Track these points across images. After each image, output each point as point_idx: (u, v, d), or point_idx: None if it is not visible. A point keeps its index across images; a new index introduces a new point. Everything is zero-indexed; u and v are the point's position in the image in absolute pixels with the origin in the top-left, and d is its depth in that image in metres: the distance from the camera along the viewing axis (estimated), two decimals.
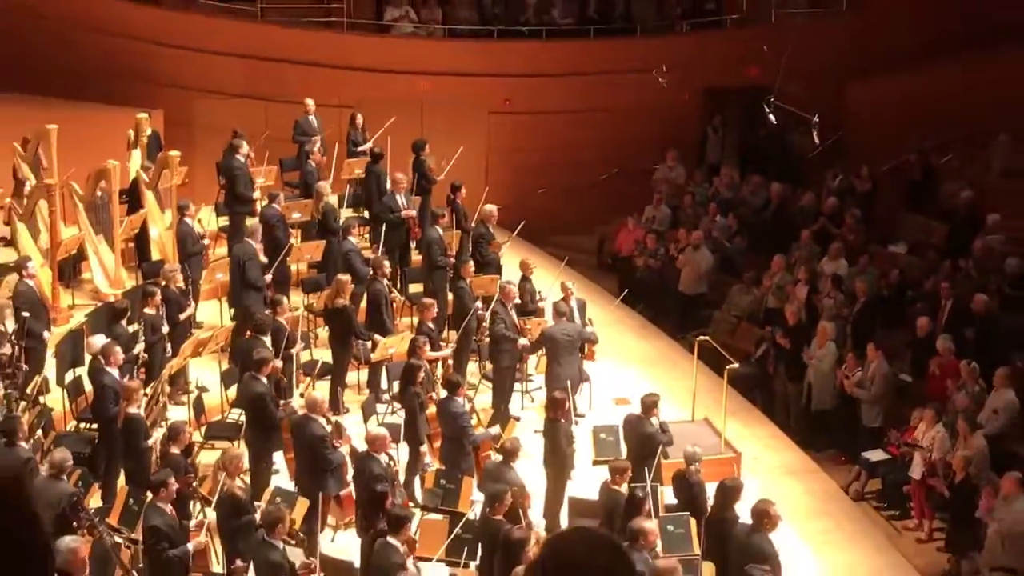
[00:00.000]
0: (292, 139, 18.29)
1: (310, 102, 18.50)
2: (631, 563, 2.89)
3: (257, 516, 10.14)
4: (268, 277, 15.15)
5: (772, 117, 18.80)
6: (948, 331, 15.04)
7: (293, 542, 10.37)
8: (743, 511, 10.62)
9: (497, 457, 11.61)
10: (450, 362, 14.24)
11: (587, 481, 12.14)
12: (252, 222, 16.22)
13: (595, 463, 12.38)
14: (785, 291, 16.79)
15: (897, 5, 21.75)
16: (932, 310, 15.77)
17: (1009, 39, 20.88)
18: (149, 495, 10.08)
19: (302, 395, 12.62)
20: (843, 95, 20.80)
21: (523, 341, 14.34)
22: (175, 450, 11.06)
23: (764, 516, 10.10)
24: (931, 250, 18.18)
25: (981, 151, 19.61)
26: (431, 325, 14.02)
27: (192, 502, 11.43)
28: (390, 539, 9.55)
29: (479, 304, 14.88)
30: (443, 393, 12.70)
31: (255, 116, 18.54)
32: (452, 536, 10.67)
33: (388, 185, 17.51)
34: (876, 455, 14.24)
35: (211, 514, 10.86)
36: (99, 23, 19.65)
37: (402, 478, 11.92)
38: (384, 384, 14.36)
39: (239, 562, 9.81)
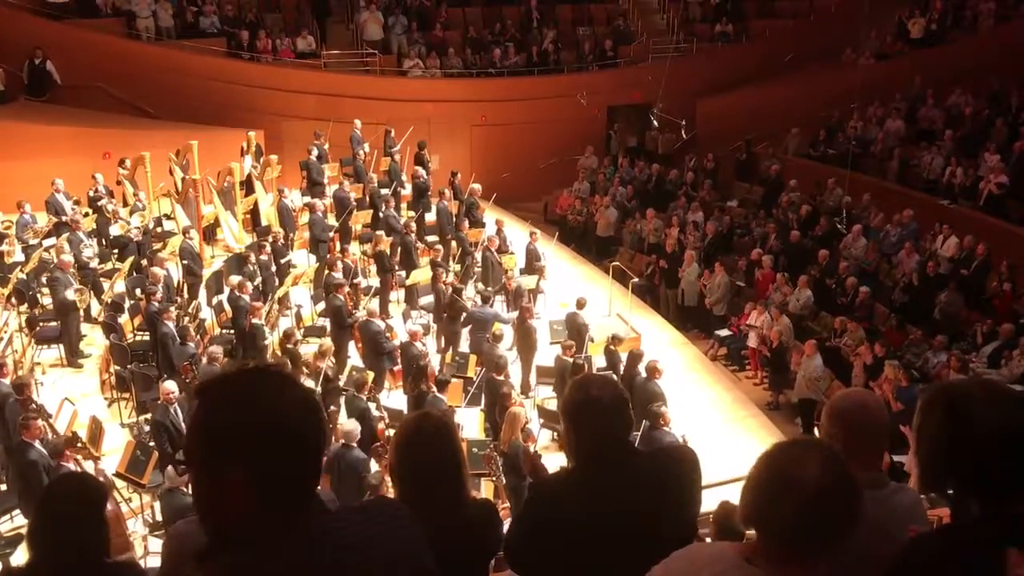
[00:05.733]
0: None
1: (357, 122, 18.16)
2: (626, 396, 2.76)
3: (341, 383, 10.14)
4: (332, 234, 15.05)
5: (655, 122, 18.70)
6: (769, 254, 15.15)
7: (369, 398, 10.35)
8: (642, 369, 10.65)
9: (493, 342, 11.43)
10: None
11: (547, 355, 12.12)
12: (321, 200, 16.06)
13: (551, 344, 12.35)
14: (661, 232, 16.83)
15: (723, 52, 21.57)
16: (759, 243, 15.84)
17: (792, 71, 20.94)
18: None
19: (364, 307, 12.61)
20: (695, 107, 20.64)
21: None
22: (289, 345, 11.06)
23: (654, 370, 10.18)
24: (752, 205, 18.26)
25: (782, 139, 19.59)
26: (439, 260, 13.95)
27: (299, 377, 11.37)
28: (437, 394, 9.48)
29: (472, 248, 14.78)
30: (480, 303, 12.55)
31: (322, 132, 18.19)
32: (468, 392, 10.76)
33: (404, 177, 17.48)
34: (723, 332, 14.39)
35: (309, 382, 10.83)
36: (222, 75, 19.09)
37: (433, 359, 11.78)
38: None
39: (332, 408, 9.85)
